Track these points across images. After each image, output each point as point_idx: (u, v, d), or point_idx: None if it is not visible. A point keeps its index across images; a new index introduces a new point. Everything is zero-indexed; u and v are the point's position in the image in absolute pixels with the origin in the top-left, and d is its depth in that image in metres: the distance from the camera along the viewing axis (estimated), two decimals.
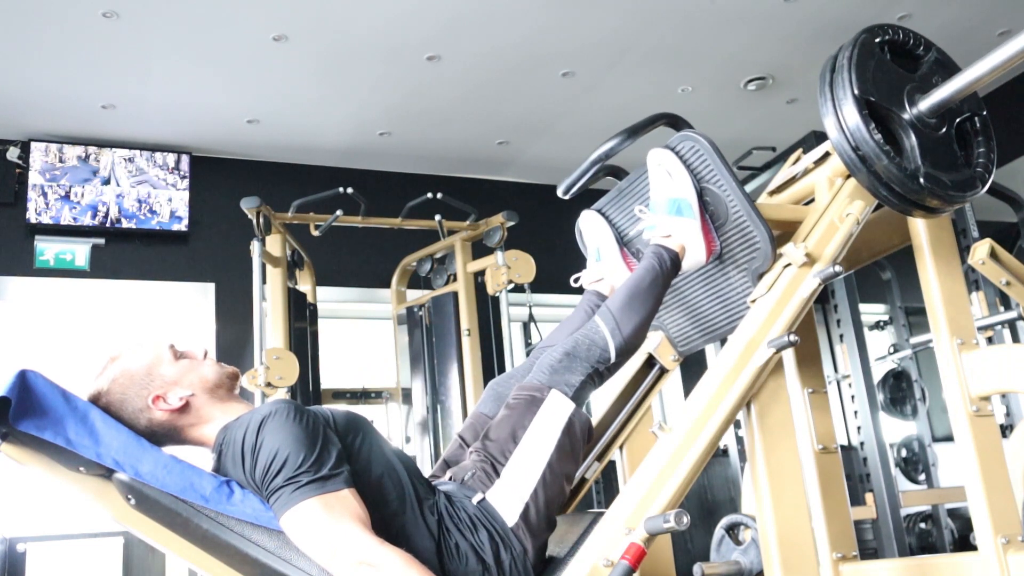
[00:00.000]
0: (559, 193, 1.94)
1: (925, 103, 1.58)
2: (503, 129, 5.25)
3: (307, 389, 4.02)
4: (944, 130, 1.61)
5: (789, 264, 1.57)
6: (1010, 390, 1.60)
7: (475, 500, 1.41)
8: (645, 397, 1.98)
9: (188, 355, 1.56)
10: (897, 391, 5.04)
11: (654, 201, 1.73)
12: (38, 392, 1.35)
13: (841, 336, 3.85)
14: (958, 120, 1.64)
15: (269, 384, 3.57)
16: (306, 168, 5.42)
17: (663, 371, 1.99)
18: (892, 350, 5.11)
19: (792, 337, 1.47)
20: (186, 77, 4.36)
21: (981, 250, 1.83)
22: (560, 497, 1.48)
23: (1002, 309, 3.69)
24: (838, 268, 1.53)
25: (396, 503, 1.41)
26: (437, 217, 4.53)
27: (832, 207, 1.67)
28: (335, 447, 1.37)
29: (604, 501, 4.13)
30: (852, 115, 1.50)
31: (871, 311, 6.19)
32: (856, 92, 1.51)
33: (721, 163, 1.65)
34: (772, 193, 1.97)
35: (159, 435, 1.48)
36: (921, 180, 1.52)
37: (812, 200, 1.80)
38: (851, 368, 3.77)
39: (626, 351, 1.59)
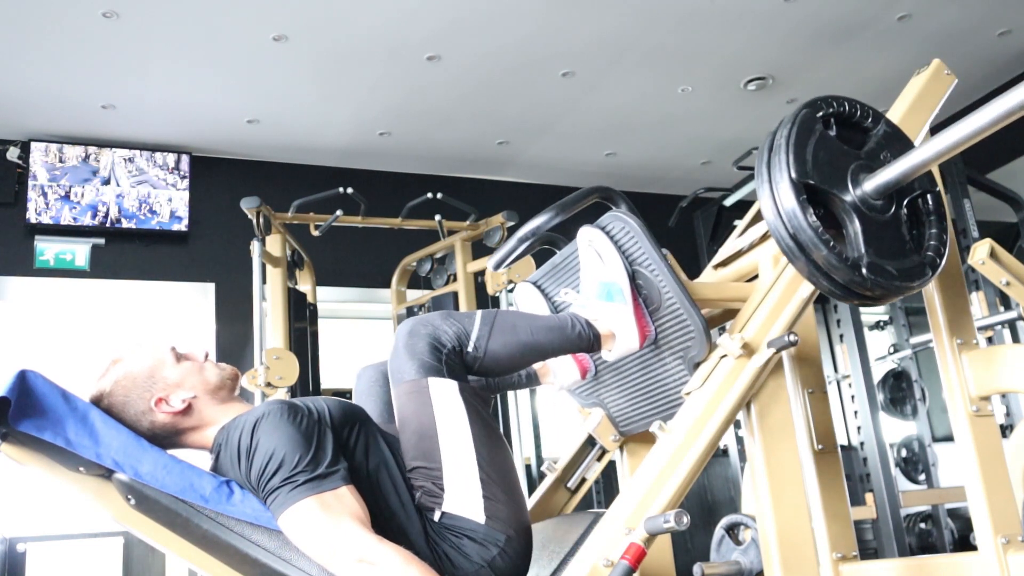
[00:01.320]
0: (489, 268, 1.89)
1: (871, 184, 1.43)
2: (503, 129, 5.25)
3: (307, 389, 4.02)
4: (892, 212, 1.46)
5: (725, 355, 1.51)
6: (1010, 390, 1.60)
7: (437, 517, 1.39)
8: (584, 478, 1.94)
9: (189, 357, 1.56)
10: (897, 391, 5.05)
11: (584, 284, 1.66)
12: (38, 392, 1.35)
13: (841, 336, 3.85)
14: (908, 199, 1.50)
15: (269, 384, 3.57)
16: (306, 168, 5.42)
17: (603, 451, 1.94)
18: (892, 350, 5.11)
19: (792, 337, 1.47)
20: (186, 77, 4.37)
21: (981, 250, 1.83)
22: (507, 466, 1.44)
23: (1002, 309, 3.70)
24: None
25: (393, 498, 1.41)
26: (437, 217, 4.53)
27: (776, 288, 1.58)
28: (331, 444, 1.36)
29: (604, 501, 4.13)
30: (789, 199, 1.38)
31: (871, 311, 6.19)
32: (793, 176, 1.38)
33: (652, 247, 1.57)
34: (717, 267, 1.91)
35: (161, 437, 1.48)
36: (864, 271, 1.39)
37: (757, 276, 1.72)
38: (851, 368, 3.77)
39: (485, 360, 1.49)
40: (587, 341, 1.59)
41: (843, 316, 3.78)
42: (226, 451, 1.41)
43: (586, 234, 1.66)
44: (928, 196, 1.52)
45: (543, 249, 1.94)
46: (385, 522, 1.37)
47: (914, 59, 4.11)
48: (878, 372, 4.96)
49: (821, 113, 1.46)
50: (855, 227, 1.42)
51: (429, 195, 4.46)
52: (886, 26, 4.45)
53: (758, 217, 1.89)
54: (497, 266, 1.86)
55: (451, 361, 1.44)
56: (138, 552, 3.79)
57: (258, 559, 1.33)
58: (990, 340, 3.58)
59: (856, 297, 1.44)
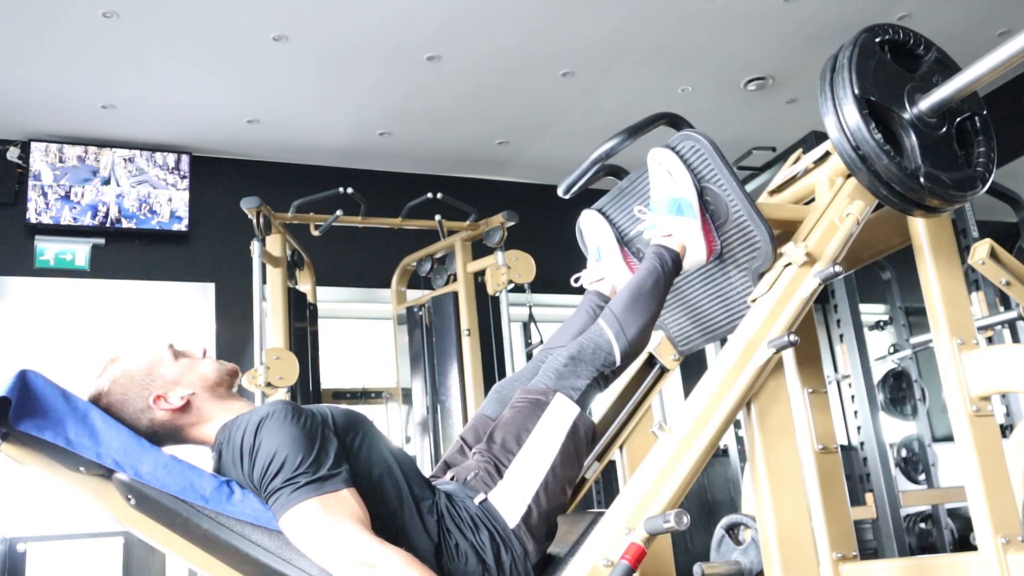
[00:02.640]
0: (560, 192, 1.94)
1: (925, 102, 1.57)
2: (503, 129, 5.25)
3: (307, 389, 4.02)
4: (944, 129, 1.60)
5: (790, 263, 1.57)
6: (1010, 390, 1.60)
7: (477, 500, 1.41)
8: (646, 397, 1.98)
9: (187, 354, 1.56)
10: (897, 391, 5.05)
11: (654, 201, 1.72)
12: (38, 392, 1.35)
13: (841, 336, 3.85)
14: (958, 120, 1.63)
15: (269, 384, 3.57)
16: (306, 168, 5.42)
17: (663, 370, 1.99)
18: (892, 350, 5.11)
19: (792, 337, 1.47)
20: (186, 77, 4.37)
21: (981, 250, 1.83)
22: (562, 500, 1.48)
23: (1002, 309, 3.69)
24: (838, 268, 1.52)
25: (395, 502, 1.41)
26: (437, 217, 4.53)
27: (832, 206, 1.66)
28: (333, 447, 1.37)
29: (604, 501, 4.13)
30: (852, 114, 1.50)
31: (871, 311, 6.19)
32: (856, 91, 1.50)
33: (722, 162, 1.65)
34: (772, 193, 1.96)
35: (160, 435, 1.48)
36: (921, 179, 1.52)
37: (812, 200, 1.80)
38: (851, 368, 3.77)
39: (631, 354, 1.59)
40: (676, 267, 1.67)
41: (843, 316, 3.78)
42: (228, 450, 1.41)
43: (656, 155, 1.73)
44: (976, 117, 1.66)
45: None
46: (387, 525, 1.37)
47: None
48: (878, 372, 4.96)
49: (879, 38, 1.61)
50: (912, 141, 1.55)
51: (429, 195, 4.46)
52: None
53: (797, 158, 2.01)
54: (567, 191, 1.92)
55: (590, 392, 1.53)
56: (138, 552, 3.79)
57: (258, 559, 1.33)
58: (990, 340, 3.58)
59: (914, 205, 1.56)
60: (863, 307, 3.96)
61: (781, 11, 4.24)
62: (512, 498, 1.41)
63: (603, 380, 1.56)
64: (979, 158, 1.64)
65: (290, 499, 1.29)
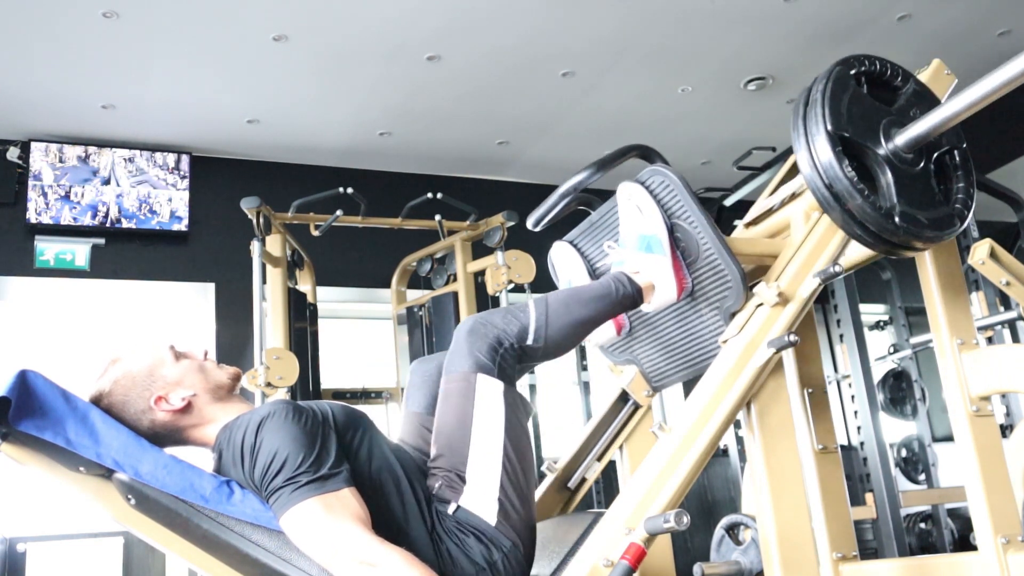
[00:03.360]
0: (529, 225, 1.91)
1: (902, 138, 1.51)
2: (503, 129, 5.25)
3: (307, 389, 4.02)
4: (922, 165, 1.54)
5: (761, 304, 1.54)
6: (1010, 390, 1.60)
7: (451, 511, 1.40)
8: (618, 433, 1.95)
9: (189, 355, 1.56)
10: (897, 391, 5.04)
11: (624, 237, 1.69)
12: (38, 392, 1.35)
13: (841, 336, 3.85)
14: (937, 154, 1.57)
15: (269, 384, 3.57)
16: (306, 168, 5.42)
17: (637, 407, 1.96)
18: (892, 350, 5.11)
19: (792, 337, 1.47)
20: (186, 77, 4.37)
21: (981, 250, 1.83)
22: (530, 478, 1.46)
23: (1002, 309, 3.69)
24: (837, 268, 1.51)
25: (395, 500, 1.41)
26: (437, 217, 4.53)
27: (807, 243, 1.62)
28: (334, 446, 1.37)
29: (604, 501, 4.13)
30: (825, 151, 1.45)
31: (871, 311, 6.19)
32: (829, 128, 1.45)
33: (692, 199, 1.61)
34: (749, 224, 1.93)
35: (161, 436, 1.48)
36: (896, 219, 1.46)
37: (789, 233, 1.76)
38: (851, 368, 3.77)
39: (546, 343, 1.52)
40: (631, 299, 1.63)
41: (843, 316, 3.78)
42: (228, 450, 1.41)
43: (626, 189, 1.70)
44: (955, 152, 1.59)
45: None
46: (387, 524, 1.37)
47: (914, 59, 4.10)
48: (878, 372, 4.96)
49: (854, 70, 1.53)
50: (887, 178, 1.49)
51: (429, 195, 4.46)
52: (886, 26, 4.45)
53: (786, 178, 1.95)
54: (535, 224, 1.90)
55: (506, 362, 1.48)
56: (138, 552, 3.79)
57: (258, 559, 1.33)
58: (990, 340, 3.58)
59: (888, 245, 1.50)
60: (863, 307, 3.96)
61: (781, 11, 4.24)
62: (482, 498, 1.39)
63: (511, 352, 1.48)
64: (957, 194, 1.57)
65: (291, 498, 1.29)
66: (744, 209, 2.80)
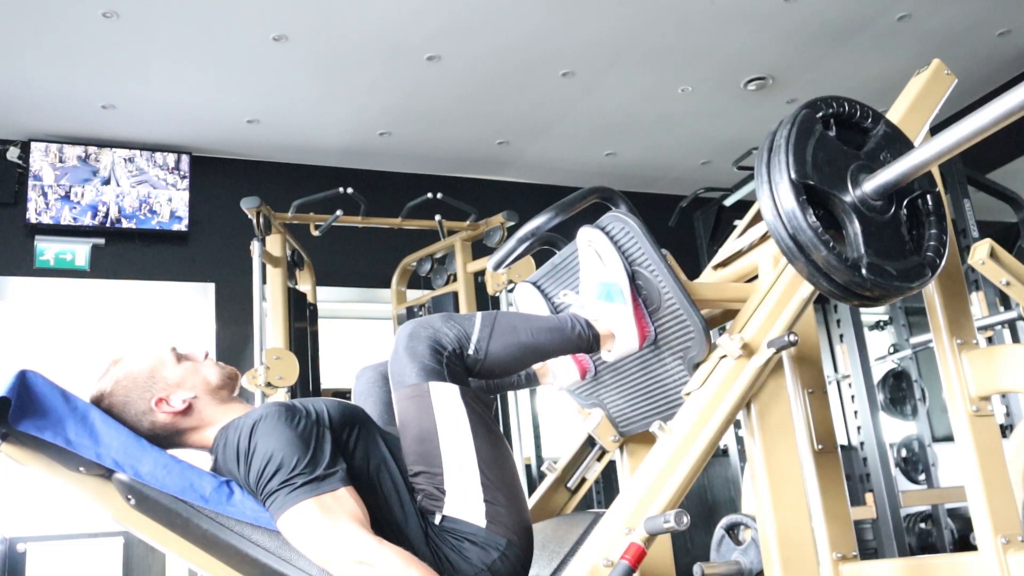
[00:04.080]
0: (489, 268, 1.88)
1: (870, 184, 1.43)
2: (503, 129, 5.25)
3: (307, 389, 4.02)
4: (892, 212, 1.46)
5: (725, 356, 1.51)
6: (1010, 390, 1.60)
7: (438, 521, 1.39)
8: (585, 477, 1.94)
9: (189, 357, 1.56)
10: (897, 391, 5.04)
11: (584, 285, 1.66)
12: (38, 392, 1.35)
13: (841, 336, 3.85)
14: (908, 199, 1.50)
15: (269, 384, 3.57)
16: (306, 168, 5.42)
17: (603, 451, 1.94)
18: (892, 350, 5.11)
19: (792, 337, 1.47)
20: (186, 77, 4.37)
21: (981, 250, 1.83)
22: (509, 471, 1.44)
23: (1002, 309, 3.70)
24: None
25: (393, 499, 1.41)
26: (437, 217, 4.53)
27: (775, 288, 1.58)
28: (329, 446, 1.36)
29: (604, 501, 4.13)
30: (788, 200, 1.37)
31: (871, 311, 6.18)
32: (793, 176, 1.37)
33: (651, 246, 1.57)
34: (717, 267, 1.91)
35: (161, 438, 1.48)
36: (863, 271, 1.38)
37: (756, 276, 1.73)
38: (851, 368, 3.77)
39: (485, 362, 1.48)
40: (587, 341, 1.59)
41: (843, 316, 3.78)
42: (224, 453, 1.41)
43: (585, 234, 1.65)
44: (928, 196, 1.51)
45: (543, 249, 1.94)
46: (385, 523, 1.37)
47: (914, 59, 4.12)
48: (878, 372, 4.96)
49: (821, 113, 1.45)
50: (855, 228, 1.41)
51: (429, 195, 4.46)
52: (886, 26, 4.45)
53: (758, 217, 1.89)
54: (497, 266, 1.85)
55: (452, 364, 1.44)
56: (138, 552, 3.79)
57: (258, 559, 1.33)
58: (990, 340, 3.58)
59: (856, 298, 1.43)
60: (862, 308, 3.96)
61: (781, 11, 4.24)
62: (467, 505, 1.38)
63: (449, 357, 1.44)
64: (930, 241, 1.49)
65: (287, 500, 1.29)
66: (744, 209, 2.80)
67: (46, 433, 1.32)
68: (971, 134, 1.28)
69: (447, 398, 1.41)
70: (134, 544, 3.77)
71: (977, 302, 3.63)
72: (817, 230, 1.36)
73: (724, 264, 1.89)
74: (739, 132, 5.38)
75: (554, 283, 1.86)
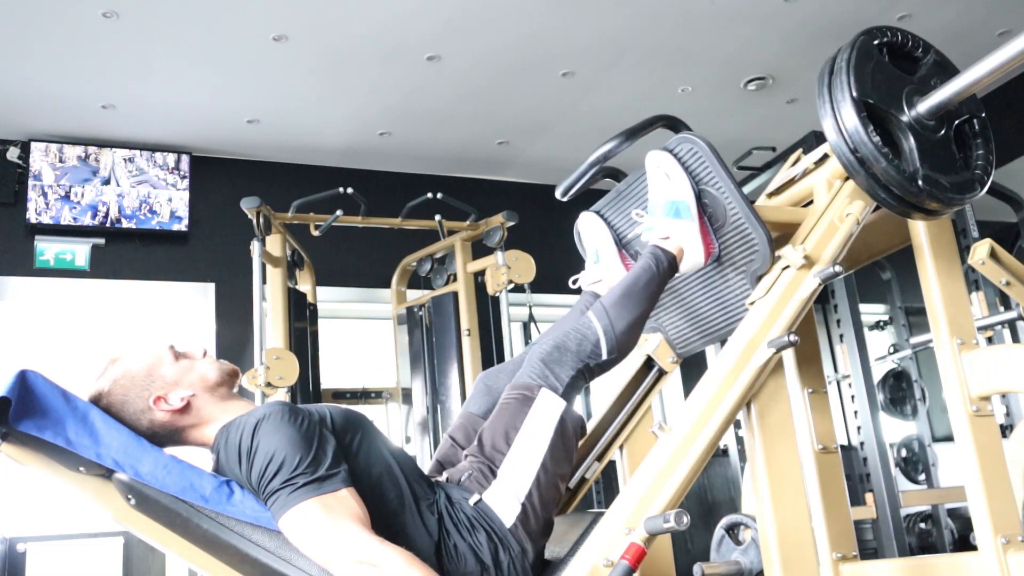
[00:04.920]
0: (558, 195, 1.93)
1: (924, 105, 1.56)
2: (503, 129, 5.25)
3: (307, 389, 4.02)
4: (943, 132, 1.59)
5: (788, 266, 1.57)
6: (1010, 390, 1.60)
7: (472, 501, 1.41)
8: (644, 398, 1.97)
9: (188, 355, 1.56)
10: (897, 391, 5.04)
11: (652, 203, 1.72)
12: (38, 392, 1.35)
13: (841, 336, 3.85)
14: (957, 122, 1.62)
15: (269, 384, 3.57)
16: (306, 168, 5.42)
17: (662, 372, 1.98)
18: (892, 350, 5.11)
19: (792, 337, 1.47)
20: (186, 77, 4.37)
21: (981, 250, 1.83)
22: (556, 497, 1.48)
23: (1002, 309, 3.69)
24: (838, 268, 1.53)
25: (395, 502, 1.41)
26: (437, 217, 4.53)
27: (831, 209, 1.66)
28: (331, 446, 1.37)
29: (604, 501, 4.13)
30: (850, 117, 1.50)
31: (871, 311, 6.19)
32: (854, 94, 1.50)
33: (719, 165, 1.65)
34: (771, 195, 1.96)
35: (160, 436, 1.48)
36: (920, 182, 1.51)
37: (811, 202, 1.80)
38: (851, 368, 3.77)
39: (619, 350, 1.58)
40: (670, 268, 1.67)
41: (843, 316, 3.78)
42: (226, 452, 1.41)
43: (654, 157, 1.72)
44: (975, 120, 1.65)
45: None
46: (387, 524, 1.37)
47: None
48: (878, 372, 4.96)
49: (877, 40, 1.58)
50: (910, 144, 1.54)
51: (429, 195, 4.46)
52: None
53: (795, 161, 1.99)
54: (564, 193, 1.92)
55: (575, 384, 1.52)
56: (138, 552, 3.79)
57: (258, 559, 1.33)
58: (990, 340, 3.58)
59: (912, 208, 1.56)
60: (863, 307, 3.96)
61: (781, 11, 4.24)
62: (506, 498, 1.41)
63: (588, 372, 1.55)
64: (978, 160, 1.63)
65: (289, 500, 1.29)
66: None
67: (46, 433, 1.32)
68: (1016, 55, 1.41)
69: (549, 408, 1.48)
70: (134, 544, 3.77)
71: (977, 302, 3.62)
72: (878, 144, 1.49)
73: (777, 192, 1.94)
74: (739, 132, 5.37)
75: (617, 210, 1.92)
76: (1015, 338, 3.75)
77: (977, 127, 1.65)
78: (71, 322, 4.87)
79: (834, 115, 1.52)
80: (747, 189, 4.89)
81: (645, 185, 1.77)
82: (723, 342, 1.61)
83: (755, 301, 1.58)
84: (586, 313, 1.62)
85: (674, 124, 1.82)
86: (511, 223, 4.39)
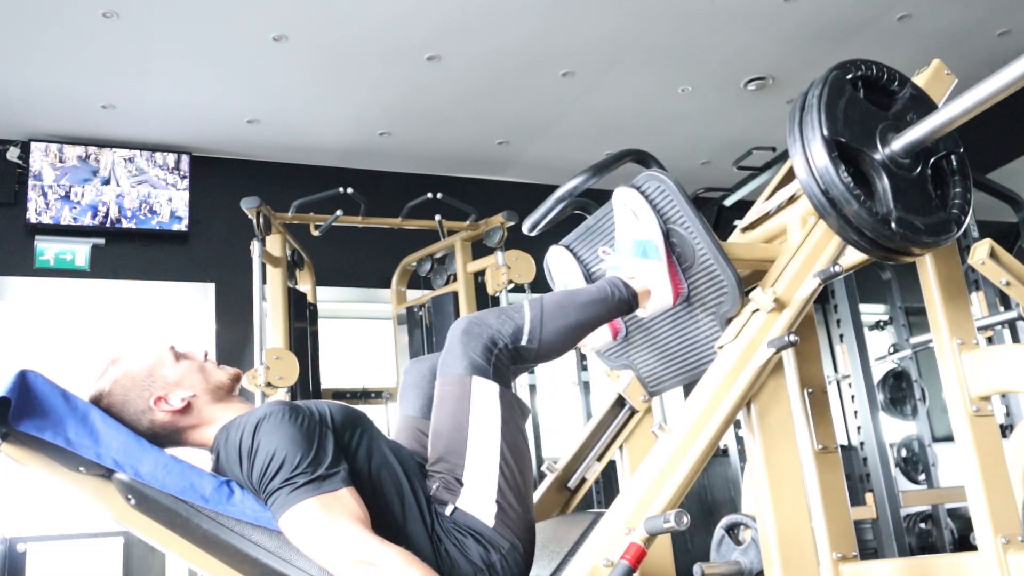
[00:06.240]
0: (525, 229, 1.90)
1: (898, 143, 1.50)
2: (503, 129, 5.25)
3: (307, 389, 4.02)
4: (919, 170, 1.53)
5: (757, 310, 1.54)
6: (1010, 390, 1.60)
7: (448, 512, 1.40)
8: (616, 437, 1.95)
9: (189, 356, 1.56)
10: (897, 391, 5.04)
11: (619, 242, 1.69)
12: (38, 392, 1.35)
13: (841, 336, 3.85)
14: (934, 159, 1.56)
15: (269, 384, 3.57)
16: (306, 168, 5.42)
17: (633, 411, 1.95)
18: (892, 350, 5.11)
19: (792, 337, 1.47)
20: (186, 77, 4.37)
21: (981, 250, 1.83)
22: (527, 479, 1.45)
23: (1002, 309, 3.69)
24: (837, 268, 1.51)
25: (395, 500, 1.41)
26: (437, 217, 4.53)
27: (804, 247, 1.62)
28: (331, 446, 1.37)
29: (604, 501, 4.13)
30: (821, 156, 1.44)
31: (871, 311, 6.19)
32: (825, 133, 1.44)
33: (687, 204, 1.61)
34: (745, 229, 1.93)
35: (161, 436, 1.48)
36: (893, 225, 1.45)
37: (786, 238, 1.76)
38: (851, 368, 3.77)
39: (540, 345, 1.51)
40: (628, 303, 1.63)
41: (843, 316, 3.78)
42: (226, 451, 1.41)
43: (622, 194, 1.69)
44: (952, 156, 1.58)
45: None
46: (386, 524, 1.37)
47: (914, 59, 4.11)
48: (878, 372, 4.96)
49: (850, 75, 1.52)
50: (884, 184, 1.48)
51: (429, 195, 4.46)
52: (886, 26, 4.45)
53: (784, 181, 1.94)
54: (531, 229, 1.89)
55: (500, 363, 1.47)
56: (138, 552, 3.79)
57: (258, 559, 1.33)
58: (990, 340, 3.58)
59: (885, 251, 1.50)
60: (863, 307, 3.96)
61: (781, 11, 4.24)
62: (479, 500, 1.39)
63: (507, 353, 1.47)
64: (955, 199, 1.56)
65: (288, 499, 1.29)
66: (744, 209, 2.80)
67: (46, 433, 1.32)
68: (994, 92, 1.34)
69: (486, 395, 1.44)
70: (134, 544, 3.77)
71: (977, 302, 3.62)
72: (849, 185, 1.42)
73: (751, 227, 1.91)
74: (739, 132, 5.37)
75: (587, 245, 1.89)
76: (1015, 338, 3.75)
77: (955, 164, 1.58)
78: (71, 322, 4.87)
79: (804, 153, 1.46)
80: (747, 189, 4.90)
81: (613, 220, 1.74)
82: (696, 381, 1.56)
83: (724, 345, 1.54)
84: (523, 301, 1.59)
85: (644, 159, 1.77)
86: (511, 223, 4.40)
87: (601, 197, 1.84)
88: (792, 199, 1.74)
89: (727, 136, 5.49)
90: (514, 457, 1.43)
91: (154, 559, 3.81)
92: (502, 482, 1.40)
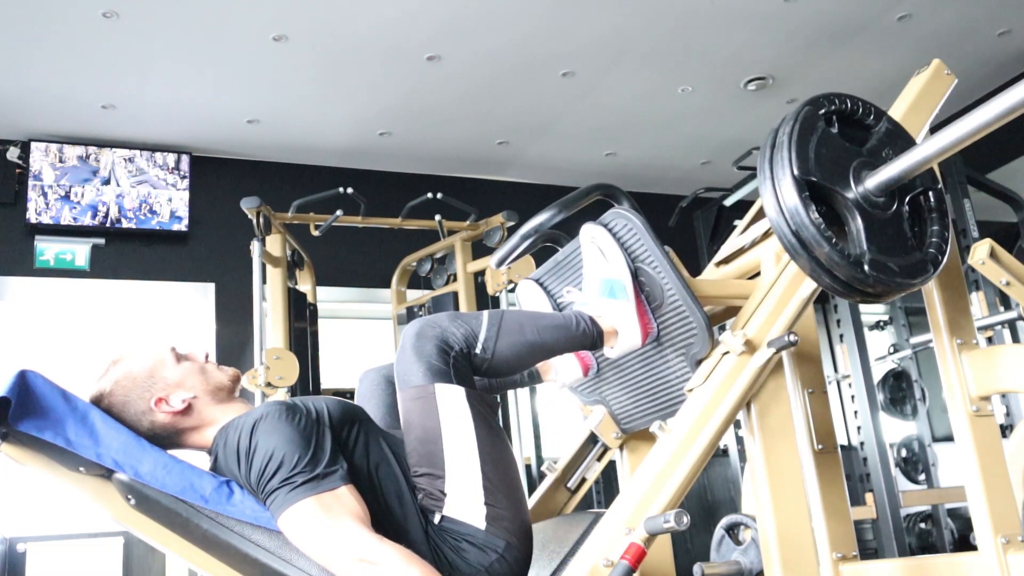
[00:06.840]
0: (492, 265, 1.89)
1: (872, 181, 1.43)
2: (503, 129, 5.25)
3: (307, 389, 4.02)
4: (894, 208, 1.46)
5: (728, 352, 1.51)
6: (1010, 390, 1.60)
7: (437, 520, 1.39)
8: (584, 479, 1.95)
9: (190, 357, 1.56)
10: (897, 391, 5.04)
11: (587, 281, 1.66)
12: (38, 392, 1.35)
13: (841, 336, 3.85)
14: (910, 196, 1.49)
15: (269, 384, 3.57)
16: (306, 168, 5.42)
17: (606, 448, 1.94)
18: (892, 350, 5.11)
19: (792, 337, 1.47)
20: (186, 77, 4.37)
21: (981, 250, 1.82)
22: (512, 473, 1.44)
23: (1002, 309, 3.70)
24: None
25: (393, 495, 1.41)
26: (437, 217, 4.53)
27: (777, 286, 1.58)
28: (329, 444, 1.36)
29: (604, 501, 4.13)
30: (791, 196, 1.37)
31: (871, 311, 6.19)
32: (795, 172, 1.37)
33: (654, 244, 1.58)
34: (719, 264, 1.91)
35: (161, 437, 1.48)
36: (866, 267, 1.38)
37: (759, 274, 1.73)
38: (851, 368, 3.77)
39: (493, 361, 1.48)
40: (591, 338, 1.59)
41: (843, 316, 3.78)
42: (224, 452, 1.41)
43: (589, 231, 1.65)
44: (930, 193, 1.51)
45: (545, 247, 1.94)
46: (386, 521, 1.37)
47: (914, 59, 4.12)
48: (878, 372, 4.96)
49: (823, 110, 1.46)
50: (857, 224, 1.41)
51: (429, 195, 4.46)
52: (886, 26, 4.45)
53: (760, 215, 1.90)
54: (499, 264, 1.86)
55: (459, 364, 1.43)
56: (138, 552, 3.79)
57: (258, 559, 1.33)
58: (990, 340, 3.58)
59: (858, 294, 1.43)
60: (863, 307, 3.96)
61: (781, 11, 4.24)
62: (467, 506, 1.38)
63: (461, 357, 1.44)
64: (932, 238, 1.49)
65: (287, 499, 1.29)
66: (744, 209, 2.80)
67: (46, 433, 1.32)
68: (972, 131, 1.28)
69: (452, 400, 1.41)
70: (134, 544, 3.77)
71: (977, 302, 3.63)
72: (819, 226, 1.36)
73: (726, 261, 1.89)
74: (739, 132, 5.38)
75: (557, 280, 1.86)
76: (1015, 338, 3.75)
77: (932, 201, 1.51)
78: (71, 322, 4.87)
79: (774, 193, 1.39)
80: (747, 189, 4.89)
81: (581, 256, 1.71)
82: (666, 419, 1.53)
83: (694, 388, 1.52)
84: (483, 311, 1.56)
85: (613, 194, 1.71)
86: (511, 223, 4.40)
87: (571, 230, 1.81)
88: (767, 234, 1.70)
89: (727, 136, 5.49)
90: (494, 457, 1.41)
91: (154, 559, 3.81)
92: (487, 484, 1.38)
